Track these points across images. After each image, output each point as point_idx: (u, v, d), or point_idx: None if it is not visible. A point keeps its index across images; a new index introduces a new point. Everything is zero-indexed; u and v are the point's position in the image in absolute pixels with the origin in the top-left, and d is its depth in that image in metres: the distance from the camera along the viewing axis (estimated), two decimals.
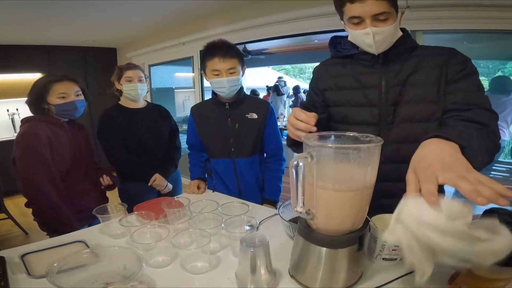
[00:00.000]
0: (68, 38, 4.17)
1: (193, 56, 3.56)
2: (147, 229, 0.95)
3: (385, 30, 0.89)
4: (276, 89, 7.10)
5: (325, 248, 0.66)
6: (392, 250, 0.75)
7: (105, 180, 1.60)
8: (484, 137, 0.70)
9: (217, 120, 1.46)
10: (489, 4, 1.90)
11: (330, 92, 1.06)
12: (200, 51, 1.45)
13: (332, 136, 0.70)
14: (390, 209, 0.90)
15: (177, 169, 1.94)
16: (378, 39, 0.90)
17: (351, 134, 0.68)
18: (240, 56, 1.40)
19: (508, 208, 0.57)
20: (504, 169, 2.72)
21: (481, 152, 0.62)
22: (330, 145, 0.66)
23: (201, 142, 1.54)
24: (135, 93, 1.74)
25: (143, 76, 1.78)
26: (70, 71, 4.73)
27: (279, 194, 1.53)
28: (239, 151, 1.46)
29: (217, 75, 1.36)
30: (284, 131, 5.86)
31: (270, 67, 10.43)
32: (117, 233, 1.03)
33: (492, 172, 2.65)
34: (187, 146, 1.63)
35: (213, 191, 1.48)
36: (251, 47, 6.10)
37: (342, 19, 0.97)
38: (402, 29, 0.98)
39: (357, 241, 0.66)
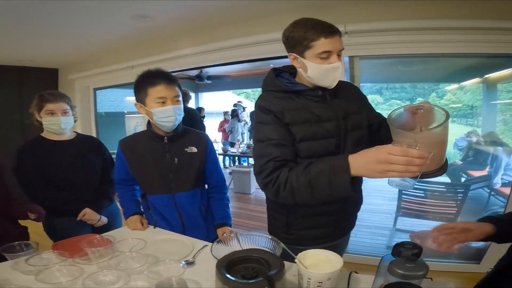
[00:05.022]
0: (1, 56, 3.78)
1: None
2: (59, 267, 0.92)
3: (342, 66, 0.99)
4: (235, 114, 7.27)
5: None
6: (318, 286, 0.72)
7: (31, 216, 1.43)
8: None
9: (154, 156, 1.35)
10: (421, 28, 2.04)
11: (297, 127, 1.02)
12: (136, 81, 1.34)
13: None
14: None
15: (114, 202, 1.81)
16: (339, 73, 0.99)
17: None
18: (179, 86, 1.35)
19: None
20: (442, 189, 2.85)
21: None
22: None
23: (132, 177, 1.43)
24: (57, 127, 1.59)
25: (69, 107, 1.63)
26: (2, 93, 4.40)
27: (230, 219, 1.51)
28: (179, 186, 1.37)
29: (163, 102, 1.26)
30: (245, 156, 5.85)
31: (231, 91, 10.54)
32: (30, 270, 0.94)
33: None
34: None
35: (154, 227, 1.39)
36: (209, 71, 6.16)
37: (300, 54, 0.99)
38: None
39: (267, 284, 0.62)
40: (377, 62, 2.58)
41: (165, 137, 1.35)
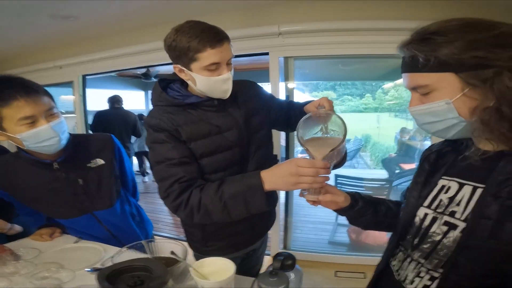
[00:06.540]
0: None
1: (73, 81, 3.28)
2: None
3: (231, 74, 0.94)
4: None
5: None
6: None
7: None
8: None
9: (46, 186, 1.09)
10: (354, 29, 2.07)
11: (195, 143, 0.94)
12: None
13: None
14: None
15: None
16: (231, 83, 0.94)
17: None
18: (47, 93, 1.04)
19: None
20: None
21: None
22: None
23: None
24: None
25: None
26: None
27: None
28: (96, 205, 1.18)
29: (31, 123, 0.96)
30: None
31: None
32: None
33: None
34: None
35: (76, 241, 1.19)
36: (158, 70, 5.90)
37: (186, 66, 0.91)
38: None
39: None
40: (312, 62, 2.63)
41: (54, 163, 1.08)
